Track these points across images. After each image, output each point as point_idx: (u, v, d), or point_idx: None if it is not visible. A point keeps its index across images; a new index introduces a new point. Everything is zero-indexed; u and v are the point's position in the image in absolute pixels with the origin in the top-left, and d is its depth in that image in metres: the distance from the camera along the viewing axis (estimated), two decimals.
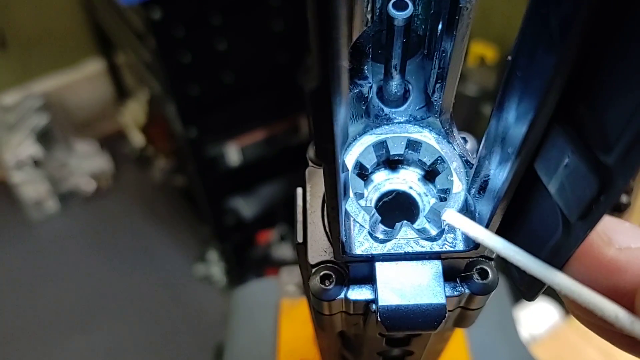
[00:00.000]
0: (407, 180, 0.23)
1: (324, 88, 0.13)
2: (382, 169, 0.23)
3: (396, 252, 0.20)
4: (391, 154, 0.22)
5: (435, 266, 0.20)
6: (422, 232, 0.21)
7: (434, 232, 0.21)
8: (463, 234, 0.20)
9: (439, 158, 0.22)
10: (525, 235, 0.19)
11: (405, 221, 0.21)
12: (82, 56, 1.81)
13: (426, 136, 0.22)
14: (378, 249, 0.20)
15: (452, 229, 0.21)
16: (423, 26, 0.22)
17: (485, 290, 0.21)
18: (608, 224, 0.18)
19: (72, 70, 1.81)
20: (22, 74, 1.73)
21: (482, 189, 0.20)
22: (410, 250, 0.20)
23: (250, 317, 0.54)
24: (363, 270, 0.21)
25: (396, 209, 0.22)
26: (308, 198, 0.22)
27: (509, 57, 0.16)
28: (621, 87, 0.14)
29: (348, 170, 0.22)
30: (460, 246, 0.20)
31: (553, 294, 0.19)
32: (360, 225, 0.21)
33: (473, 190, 0.21)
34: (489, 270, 0.20)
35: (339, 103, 0.14)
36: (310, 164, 0.23)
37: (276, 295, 0.53)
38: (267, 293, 0.54)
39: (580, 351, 0.84)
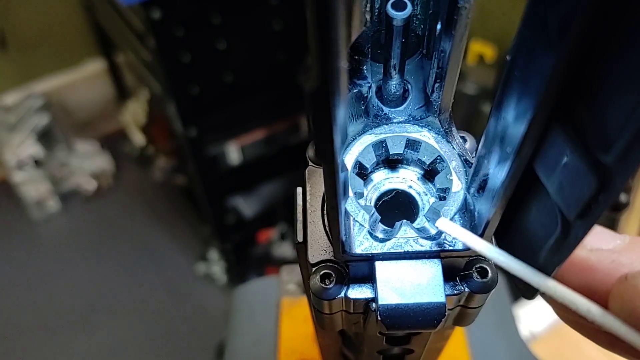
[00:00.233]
0: (407, 179, 0.23)
1: (323, 89, 0.13)
2: (382, 168, 0.23)
3: (396, 251, 0.20)
4: (390, 153, 0.22)
5: (435, 265, 0.20)
6: (422, 231, 0.21)
7: (433, 231, 0.21)
8: None
9: (438, 157, 0.22)
10: (524, 235, 0.19)
11: (404, 220, 0.21)
12: (82, 56, 1.81)
13: (425, 135, 0.22)
14: (378, 248, 0.20)
15: None
16: (422, 26, 0.22)
17: (484, 289, 0.21)
18: None
19: (73, 70, 1.81)
20: (22, 74, 1.73)
21: (482, 188, 0.20)
22: (409, 249, 0.20)
23: (251, 316, 0.54)
24: (363, 269, 0.21)
25: (396, 208, 0.22)
26: (308, 197, 0.22)
27: (508, 57, 0.16)
28: (620, 86, 0.14)
29: (347, 169, 0.22)
30: (459, 245, 0.20)
31: None
32: (360, 224, 0.21)
33: (472, 189, 0.21)
34: (488, 268, 0.20)
35: (338, 103, 0.14)
36: (310, 163, 0.23)
37: (277, 294, 0.53)
38: (268, 292, 0.54)
39: (580, 348, 0.84)
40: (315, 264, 0.21)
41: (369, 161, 0.22)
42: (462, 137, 0.23)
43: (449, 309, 0.21)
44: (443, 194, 0.22)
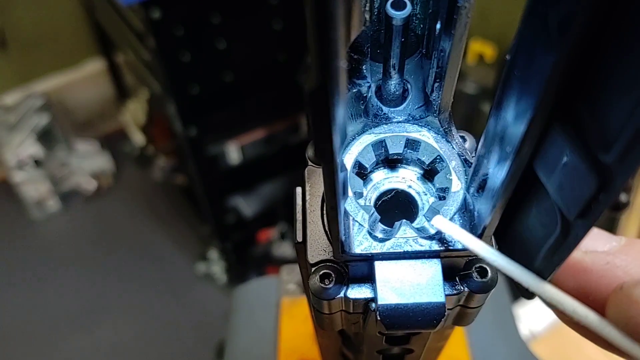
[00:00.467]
0: (406, 179, 0.23)
1: (323, 89, 0.13)
2: (381, 168, 0.23)
3: (395, 251, 0.20)
4: (390, 153, 0.22)
5: (435, 265, 0.20)
6: (421, 231, 0.21)
7: (433, 230, 0.21)
8: None
9: (438, 157, 0.22)
10: (523, 234, 0.19)
11: (404, 220, 0.21)
12: (82, 56, 1.81)
13: (425, 135, 0.22)
14: (377, 247, 0.20)
15: None
16: (421, 26, 0.22)
17: (484, 289, 0.21)
18: None
19: (73, 70, 1.81)
20: (22, 74, 1.73)
21: (481, 187, 0.20)
22: (409, 249, 0.20)
23: (251, 316, 0.54)
24: (362, 269, 0.21)
25: (395, 208, 0.22)
26: (307, 197, 0.22)
27: (508, 56, 0.16)
28: (620, 86, 0.14)
29: (347, 169, 0.22)
30: (459, 245, 0.20)
31: None
32: (360, 224, 0.21)
33: (472, 189, 0.21)
34: (488, 268, 0.20)
35: (338, 103, 0.14)
36: (310, 163, 0.23)
37: (277, 294, 0.53)
38: (268, 291, 0.54)
39: (580, 348, 0.84)
40: (314, 264, 0.21)
41: (368, 161, 0.22)
42: (462, 137, 0.23)
43: (448, 309, 0.21)
44: (443, 194, 0.22)
